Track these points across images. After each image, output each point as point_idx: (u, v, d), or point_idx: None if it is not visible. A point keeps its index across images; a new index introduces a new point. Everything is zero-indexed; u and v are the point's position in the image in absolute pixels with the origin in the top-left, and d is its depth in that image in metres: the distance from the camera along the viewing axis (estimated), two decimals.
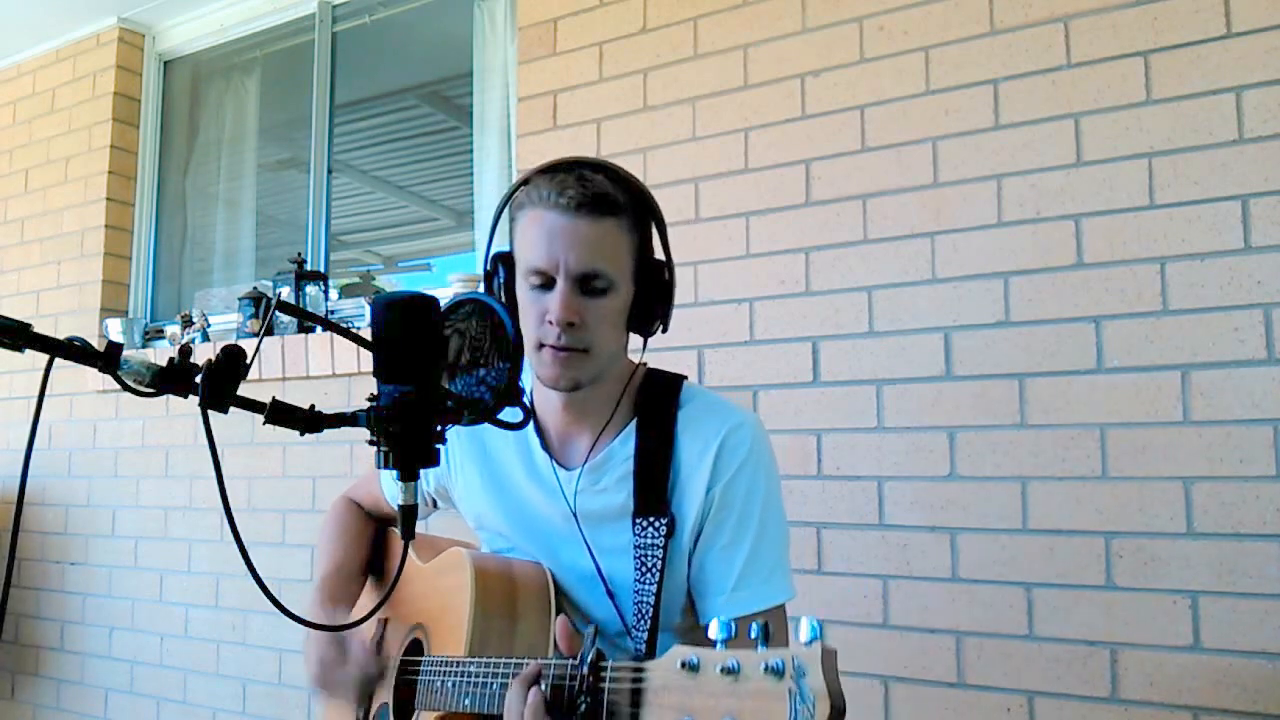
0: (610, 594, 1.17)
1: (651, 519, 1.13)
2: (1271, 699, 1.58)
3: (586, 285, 1.10)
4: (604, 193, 1.11)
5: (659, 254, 1.21)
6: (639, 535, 1.13)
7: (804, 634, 0.70)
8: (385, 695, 1.24)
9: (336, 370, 2.72)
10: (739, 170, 2.18)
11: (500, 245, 1.19)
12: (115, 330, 3.23)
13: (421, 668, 1.18)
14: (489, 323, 1.02)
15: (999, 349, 1.85)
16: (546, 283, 1.11)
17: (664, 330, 1.20)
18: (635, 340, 1.22)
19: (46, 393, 0.78)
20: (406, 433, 0.83)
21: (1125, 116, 1.79)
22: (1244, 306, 1.67)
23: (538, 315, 1.11)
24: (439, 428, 0.85)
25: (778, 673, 0.69)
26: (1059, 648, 1.75)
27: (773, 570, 1.16)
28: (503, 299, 1.16)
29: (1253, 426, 1.64)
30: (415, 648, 1.24)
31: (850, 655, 1.93)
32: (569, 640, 0.95)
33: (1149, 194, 1.76)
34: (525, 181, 1.14)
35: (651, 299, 1.17)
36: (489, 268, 1.18)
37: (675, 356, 2.15)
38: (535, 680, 0.91)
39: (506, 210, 1.18)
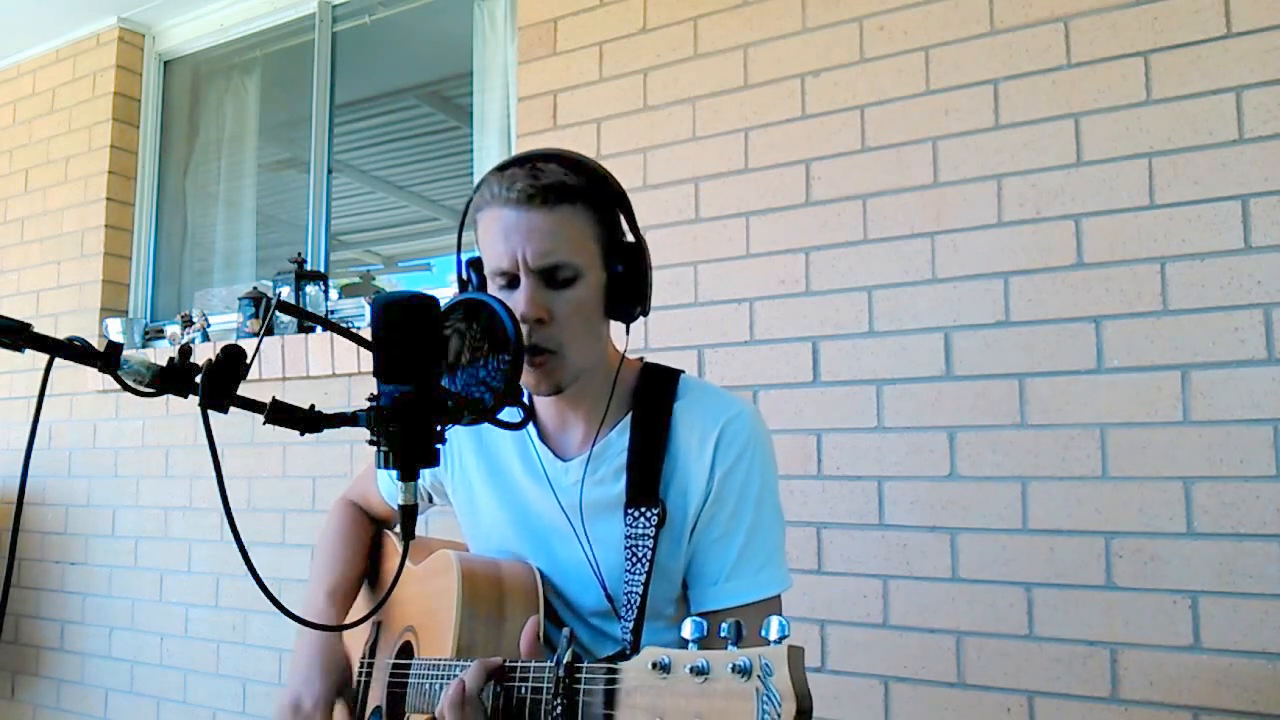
0: (604, 586, 1.16)
1: (643, 509, 1.12)
2: (1271, 699, 1.58)
3: (552, 278, 1.09)
4: (555, 181, 1.08)
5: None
6: (630, 526, 1.12)
7: (773, 632, 0.70)
8: (378, 698, 1.24)
9: (336, 370, 2.72)
10: (739, 170, 2.18)
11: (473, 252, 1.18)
12: (115, 330, 3.23)
13: (411, 671, 1.18)
14: (489, 323, 1.01)
15: (999, 349, 1.85)
16: (512, 282, 1.09)
17: (644, 314, 1.18)
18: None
19: (46, 393, 0.78)
20: (406, 433, 0.83)
21: (1125, 116, 1.79)
22: (1244, 306, 1.67)
23: None
24: (439, 428, 0.85)
25: (744, 672, 0.70)
26: (1059, 648, 1.75)
27: (766, 562, 1.15)
28: None
29: (1253, 426, 1.64)
30: (406, 650, 1.24)
31: (850, 655, 1.94)
32: (531, 647, 0.96)
33: (1149, 194, 1.76)
34: (482, 185, 1.13)
35: (626, 282, 1.14)
36: (464, 276, 1.18)
37: (675, 356, 2.15)
38: (494, 674, 0.93)
39: (472, 218, 1.16)
